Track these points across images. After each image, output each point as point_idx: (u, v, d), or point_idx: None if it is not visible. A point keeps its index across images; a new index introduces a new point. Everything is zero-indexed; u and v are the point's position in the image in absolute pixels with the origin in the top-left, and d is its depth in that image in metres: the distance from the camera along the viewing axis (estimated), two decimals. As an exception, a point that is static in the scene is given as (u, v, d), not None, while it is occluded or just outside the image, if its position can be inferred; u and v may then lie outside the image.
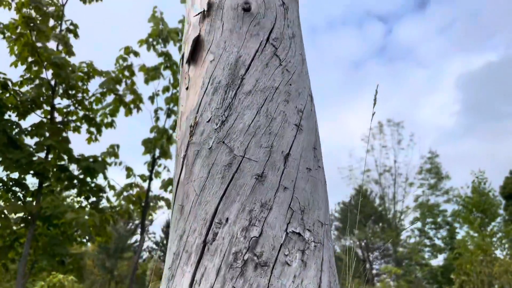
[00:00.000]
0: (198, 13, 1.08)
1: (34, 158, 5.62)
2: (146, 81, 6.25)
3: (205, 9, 1.06)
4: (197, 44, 1.05)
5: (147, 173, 7.09)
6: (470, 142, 36.89)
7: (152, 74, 6.22)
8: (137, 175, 6.66)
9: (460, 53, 39.98)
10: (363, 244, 16.75)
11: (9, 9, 5.31)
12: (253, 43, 0.99)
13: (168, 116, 6.46)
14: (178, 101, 6.28)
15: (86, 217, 5.17)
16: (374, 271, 16.70)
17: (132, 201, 6.33)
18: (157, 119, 6.63)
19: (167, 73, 6.43)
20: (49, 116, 6.21)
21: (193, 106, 1.00)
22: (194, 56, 1.06)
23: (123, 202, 6.65)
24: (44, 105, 6.22)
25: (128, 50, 6.04)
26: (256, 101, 0.93)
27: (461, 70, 38.06)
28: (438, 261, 26.83)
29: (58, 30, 6.48)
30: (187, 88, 1.05)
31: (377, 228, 17.31)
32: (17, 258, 6.05)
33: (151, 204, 7.27)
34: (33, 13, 5.35)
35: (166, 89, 6.46)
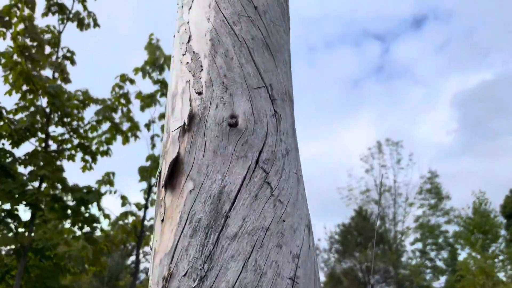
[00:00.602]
0: (178, 128, 0.93)
1: (28, 188, 5.52)
2: (142, 108, 6.19)
3: (185, 122, 0.90)
4: (176, 165, 0.90)
5: (142, 201, 6.99)
6: (467, 160, 36.82)
7: (148, 101, 6.16)
8: (133, 203, 6.55)
9: (456, 71, 40.28)
10: (363, 267, 16.51)
11: (4, 38, 5.28)
12: (240, 168, 0.85)
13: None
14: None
15: (79, 249, 5.05)
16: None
17: (127, 231, 6.20)
18: (154, 146, 6.55)
19: (163, 100, 6.38)
20: (43, 144, 6.13)
21: (168, 248, 0.84)
22: (171, 180, 0.90)
23: (118, 231, 6.52)
24: (39, 133, 6.14)
25: (124, 78, 5.99)
26: (242, 249, 0.77)
27: (457, 88, 38.27)
28: (440, 283, 26.47)
29: (54, 57, 6.45)
30: (162, 220, 0.89)
31: (378, 250, 17.09)
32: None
33: (147, 233, 7.14)
34: (29, 42, 5.31)
35: (162, 116, 6.39)
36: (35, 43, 5.42)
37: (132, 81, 6.17)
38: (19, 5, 5.10)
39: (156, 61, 5.93)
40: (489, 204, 20.00)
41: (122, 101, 6.14)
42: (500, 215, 25.16)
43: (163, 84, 6.05)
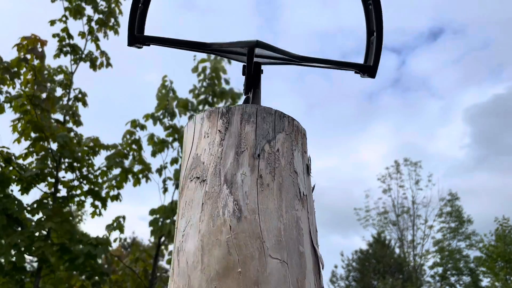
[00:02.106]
0: None
1: (35, 239, 5.34)
2: (154, 154, 5.99)
3: None
4: None
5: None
6: (481, 176, 36.01)
7: (159, 146, 5.96)
8: (143, 250, 6.33)
9: (470, 85, 39.65)
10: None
11: (13, 87, 5.14)
12: None
13: (177, 187, 6.15)
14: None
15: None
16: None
17: (138, 282, 5.96)
18: (165, 190, 6.33)
19: (176, 144, 6.18)
20: (53, 189, 5.96)
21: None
22: None
23: (128, 277, 6.30)
24: (48, 178, 5.99)
25: (135, 124, 5.81)
26: None
27: (470, 102, 37.66)
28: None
29: (66, 98, 6.32)
30: None
31: (397, 280, 16.55)
32: None
33: (158, 274, 6.90)
34: (38, 92, 5.17)
35: (174, 161, 6.18)
36: (44, 94, 5.27)
37: (143, 127, 5.98)
38: (28, 56, 4.96)
39: (168, 105, 5.75)
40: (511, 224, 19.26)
41: (134, 146, 5.96)
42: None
43: (175, 131, 5.85)
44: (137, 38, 0.74)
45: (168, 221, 5.61)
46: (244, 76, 0.85)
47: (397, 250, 20.16)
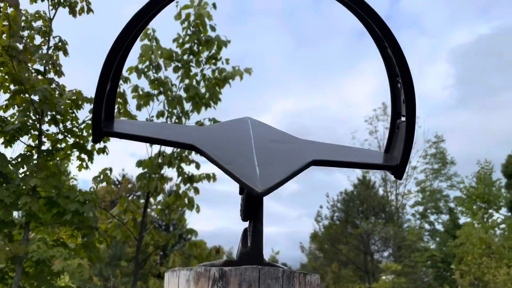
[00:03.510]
0: None
1: (21, 192, 5.30)
2: (139, 107, 5.82)
3: None
4: None
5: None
6: (463, 115, 36.55)
7: (144, 100, 5.78)
8: (131, 201, 6.35)
9: (458, 25, 39.01)
10: (364, 236, 16.68)
11: (-13, 38, 4.84)
12: None
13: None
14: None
15: (76, 263, 4.90)
16: (376, 265, 16.71)
17: (127, 234, 6.03)
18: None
19: (161, 97, 6.00)
20: (37, 141, 5.84)
21: None
22: None
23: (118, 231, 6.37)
24: (32, 130, 5.84)
25: (119, 77, 5.60)
26: None
27: (456, 42, 37.22)
28: (438, 244, 26.93)
29: (45, 47, 6.02)
30: None
31: (380, 220, 17.18)
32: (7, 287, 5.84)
33: (148, 226, 7.00)
34: (17, 44, 4.89)
35: (160, 114, 6.03)
36: (21, 46, 4.98)
37: (126, 80, 5.76)
38: (1, 4, 4.62)
39: (153, 58, 5.50)
40: (492, 171, 19.84)
41: (119, 100, 5.77)
42: (501, 174, 25.17)
43: (160, 84, 5.65)
44: (105, 133, 0.63)
45: (155, 176, 5.58)
46: (241, 196, 0.66)
47: (380, 192, 20.76)
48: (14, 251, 5.06)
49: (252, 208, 0.56)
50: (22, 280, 5.60)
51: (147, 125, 0.70)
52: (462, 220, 23.79)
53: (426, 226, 27.05)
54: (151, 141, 0.61)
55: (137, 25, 0.53)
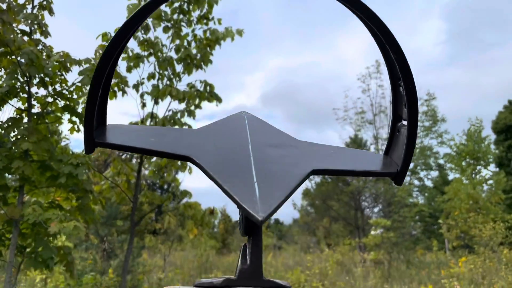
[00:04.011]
0: None
1: (13, 156, 5.29)
2: (129, 69, 5.71)
3: None
4: None
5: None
6: (455, 72, 36.47)
7: (134, 62, 5.67)
8: (125, 163, 6.36)
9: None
10: (355, 193, 17.00)
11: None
12: None
13: (156, 102, 6.01)
14: (166, 94, 5.71)
15: (72, 226, 4.98)
16: (366, 220, 17.15)
17: (122, 196, 6.08)
18: (144, 105, 6.19)
19: (152, 59, 5.89)
20: (26, 104, 5.77)
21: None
22: None
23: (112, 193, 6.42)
24: (21, 93, 5.75)
25: (106, 38, 5.43)
26: None
27: None
28: (426, 199, 27.60)
29: (30, 6, 5.83)
30: None
31: (370, 178, 17.44)
32: (5, 249, 5.94)
33: (142, 189, 7.06)
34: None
35: (151, 76, 5.94)
36: (4, 5, 4.81)
37: (116, 41, 5.62)
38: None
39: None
40: (482, 123, 20.02)
41: (107, 61, 5.66)
42: (491, 130, 25.50)
43: (150, 44, 5.52)
44: (98, 144, 0.61)
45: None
46: (239, 210, 0.60)
47: (372, 150, 20.91)
48: (9, 214, 5.11)
49: (251, 225, 0.56)
50: (19, 241, 5.70)
51: (141, 131, 0.68)
52: (451, 176, 24.27)
53: (416, 182, 27.60)
54: (146, 152, 0.60)
55: (127, 34, 0.52)
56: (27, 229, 5.57)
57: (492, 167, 21.60)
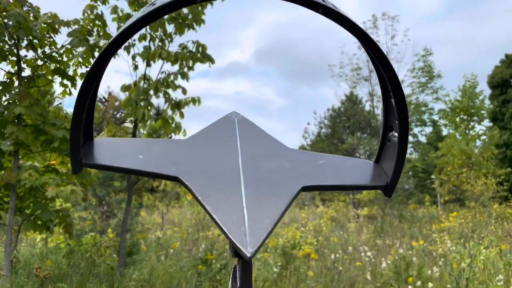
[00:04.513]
0: None
1: (6, 121, 5.26)
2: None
3: None
4: None
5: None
6: (451, 25, 35.90)
7: (124, 22, 5.52)
8: (120, 128, 6.35)
9: None
10: (350, 150, 17.11)
11: None
12: None
13: (148, 64, 5.91)
14: (159, 56, 5.59)
15: (69, 190, 5.02)
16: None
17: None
18: (136, 67, 6.09)
19: (143, 19, 5.72)
20: (16, 68, 5.68)
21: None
22: None
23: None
24: (9, 56, 5.64)
25: (95, -2, 5.29)
26: None
27: None
28: (420, 155, 27.91)
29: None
30: None
31: (364, 135, 17.53)
32: (4, 212, 6.03)
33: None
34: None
35: (142, 38, 5.82)
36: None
37: (105, 1, 5.46)
38: None
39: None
40: (477, 79, 19.97)
41: (97, 22, 5.52)
42: (487, 85, 25.44)
43: (140, 3, 5.36)
44: (85, 165, 0.60)
45: (142, 102, 5.53)
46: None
47: (367, 107, 20.91)
48: (6, 179, 5.14)
49: None
50: (17, 205, 5.77)
51: (129, 147, 0.66)
52: (445, 132, 24.44)
53: (410, 138, 27.79)
54: (135, 172, 0.59)
55: (109, 57, 0.50)
56: (25, 193, 5.62)
57: (486, 122, 21.71)
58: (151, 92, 5.40)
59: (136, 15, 0.48)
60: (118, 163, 0.58)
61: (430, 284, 4.84)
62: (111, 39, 0.48)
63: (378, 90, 24.63)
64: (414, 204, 18.85)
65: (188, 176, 0.56)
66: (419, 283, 4.89)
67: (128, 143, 0.66)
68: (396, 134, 0.59)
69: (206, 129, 0.70)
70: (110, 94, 26.98)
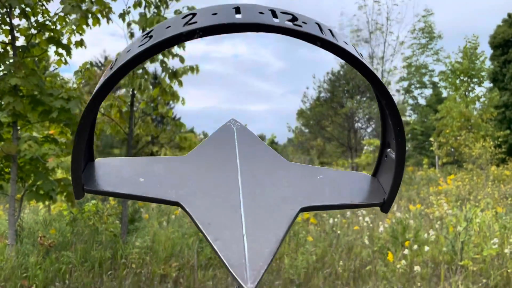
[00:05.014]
0: None
1: (3, 92, 5.23)
2: (114, -3, 5.44)
3: None
4: None
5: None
6: None
7: (119, -11, 5.38)
8: (118, 96, 6.30)
9: None
10: (349, 114, 17.09)
11: None
12: None
13: (143, 31, 5.81)
14: (154, 23, 5.56)
15: (69, 160, 5.04)
16: (359, 141, 17.44)
17: (117, 129, 6.09)
18: (132, 35, 5.99)
19: (138, -16, 5.59)
20: (10, 37, 5.59)
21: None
22: None
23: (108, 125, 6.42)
24: (2, 25, 5.54)
25: (87, -37, 5.12)
26: None
27: None
28: (419, 117, 27.90)
29: None
30: None
31: (364, 98, 17.45)
32: (6, 183, 6.10)
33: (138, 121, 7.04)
34: None
35: (138, 4, 5.69)
36: None
37: (97, -33, 5.30)
38: None
39: None
40: (478, 40, 19.69)
41: (91, -9, 5.38)
42: (488, 45, 25.12)
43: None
44: (87, 191, 0.59)
45: (139, 71, 5.47)
46: None
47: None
48: (5, 150, 5.16)
49: None
50: (18, 175, 5.82)
51: (130, 167, 0.65)
52: (445, 94, 24.33)
53: (410, 101, 27.71)
54: (137, 198, 0.59)
55: (103, 97, 0.49)
56: (25, 163, 5.66)
57: (486, 84, 21.57)
58: (147, 61, 5.33)
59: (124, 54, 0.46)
60: (119, 189, 0.58)
61: (426, 248, 4.96)
62: (111, 72, 0.45)
63: (378, 52, 24.37)
64: (412, 167, 19.01)
65: (188, 202, 0.56)
66: (415, 246, 5.01)
67: (128, 164, 0.66)
68: (393, 152, 0.60)
69: (205, 143, 0.71)
70: (106, 58, 26.65)
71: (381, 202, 0.62)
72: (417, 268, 4.56)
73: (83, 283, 4.47)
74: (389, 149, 0.62)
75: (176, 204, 0.56)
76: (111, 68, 0.47)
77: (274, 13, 0.43)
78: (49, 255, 4.98)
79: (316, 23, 0.45)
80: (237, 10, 0.43)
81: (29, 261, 4.72)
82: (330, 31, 0.46)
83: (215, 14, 0.43)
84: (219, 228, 0.51)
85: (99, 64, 26.12)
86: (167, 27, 0.44)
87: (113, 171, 0.62)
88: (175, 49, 5.42)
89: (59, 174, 6.62)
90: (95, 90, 0.47)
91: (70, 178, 6.90)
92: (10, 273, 4.52)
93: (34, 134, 5.86)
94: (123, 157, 0.70)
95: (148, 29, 0.49)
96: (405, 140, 0.53)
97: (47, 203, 7.24)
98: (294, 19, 0.43)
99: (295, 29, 0.41)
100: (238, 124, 0.76)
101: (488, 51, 23.98)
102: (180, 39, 0.41)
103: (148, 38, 0.44)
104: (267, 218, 0.53)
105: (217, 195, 0.58)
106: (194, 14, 0.44)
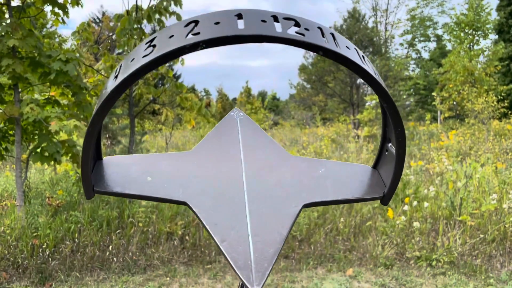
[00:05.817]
0: None
1: (1, 54, 5.18)
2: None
3: None
4: None
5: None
6: None
7: None
8: (117, 57, 6.22)
9: None
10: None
11: None
12: None
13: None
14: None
15: (72, 125, 5.05)
16: (361, 97, 17.28)
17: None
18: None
19: None
20: (4, -2, 5.46)
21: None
22: None
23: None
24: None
25: None
26: None
27: None
28: (422, 71, 27.51)
29: None
30: None
31: (368, 53, 17.10)
32: (10, 145, 6.16)
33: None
34: None
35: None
36: None
37: None
38: None
39: None
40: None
41: None
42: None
43: None
44: (97, 192, 0.60)
45: (136, 31, 5.38)
46: None
47: (370, 24, 20.21)
48: (8, 113, 5.17)
49: None
50: (23, 137, 5.87)
51: (137, 166, 0.66)
52: (449, 47, 23.87)
53: (413, 55, 27.23)
54: (145, 198, 0.60)
55: (103, 117, 0.49)
56: (29, 125, 5.68)
57: (491, 36, 21.12)
58: (144, 21, 5.23)
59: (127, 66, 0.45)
60: (128, 189, 0.60)
61: (425, 204, 5.06)
62: (116, 85, 0.45)
63: (382, 4, 23.65)
64: (413, 122, 18.98)
65: (195, 201, 0.57)
66: (415, 203, 5.10)
67: (136, 162, 0.66)
68: (393, 147, 0.60)
69: (210, 136, 0.71)
70: (104, 14, 26.07)
71: (381, 196, 0.63)
72: (416, 223, 4.67)
73: (92, 241, 4.62)
74: (389, 144, 0.63)
75: (184, 203, 0.57)
76: (115, 77, 0.47)
77: (276, 19, 0.43)
78: (57, 215, 5.11)
79: (319, 27, 0.46)
80: (239, 16, 0.43)
81: (38, 221, 4.85)
82: (332, 35, 0.46)
83: (217, 23, 0.43)
84: (225, 228, 0.52)
85: (97, 21, 25.59)
86: (170, 37, 0.44)
87: (121, 170, 0.63)
88: (172, 7, 5.30)
89: (63, 135, 6.64)
90: (99, 103, 0.46)
91: (75, 138, 6.95)
92: (21, 232, 4.66)
93: (36, 96, 5.85)
94: (130, 155, 0.71)
95: (150, 36, 0.48)
96: (405, 140, 0.54)
97: (52, 163, 7.33)
98: (296, 25, 0.43)
99: (297, 40, 0.42)
100: (241, 114, 0.77)
101: (494, 2, 23.26)
102: (184, 51, 0.42)
103: (151, 47, 0.44)
104: (271, 217, 0.55)
105: (222, 194, 0.59)
106: (196, 22, 0.44)
